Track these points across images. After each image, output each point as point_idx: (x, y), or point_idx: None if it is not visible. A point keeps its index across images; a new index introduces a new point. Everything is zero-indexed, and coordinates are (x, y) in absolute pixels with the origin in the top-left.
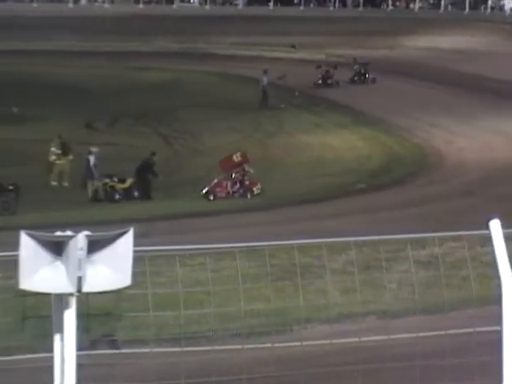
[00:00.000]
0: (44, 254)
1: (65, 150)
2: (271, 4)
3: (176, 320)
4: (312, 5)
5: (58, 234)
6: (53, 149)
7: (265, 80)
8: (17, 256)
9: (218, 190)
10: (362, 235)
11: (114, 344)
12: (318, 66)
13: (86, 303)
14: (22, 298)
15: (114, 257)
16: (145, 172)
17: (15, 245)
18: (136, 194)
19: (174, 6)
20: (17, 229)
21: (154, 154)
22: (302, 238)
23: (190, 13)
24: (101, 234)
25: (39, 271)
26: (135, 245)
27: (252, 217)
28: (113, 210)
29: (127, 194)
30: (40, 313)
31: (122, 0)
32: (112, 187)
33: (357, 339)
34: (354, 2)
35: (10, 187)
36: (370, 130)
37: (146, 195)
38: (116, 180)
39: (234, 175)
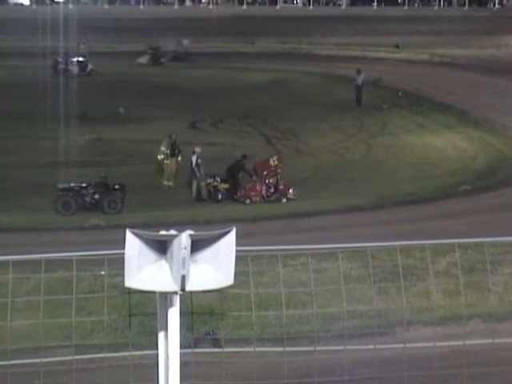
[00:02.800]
0: (149, 253)
1: (173, 151)
2: (375, 4)
3: (278, 320)
4: (416, 4)
5: (163, 233)
6: (162, 148)
7: (359, 80)
8: (123, 254)
9: (252, 194)
10: (466, 237)
11: (217, 342)
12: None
13: (189, 302)
14: (128, 295)
15: (217, 256)
16: (235, 172)
17: (121, 243)
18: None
19: (278, 6)
20: (122, 227)
21: (244, 156)
22: (404, 240)
23: (294, 13)
24: (204, 233)
25: (144, 269)
26: (237, 245)
27: (355, 217)
28: (215, 209)
29: (229, 194)
30: (145, 310)
31: (226, 1)
32: (215, 187)
33: (461, 342)
34: (459, 1)
35: (117, 186)
36: (475, 131)
37: (232, 195)
38: (219, 180)
39: (268, 179)
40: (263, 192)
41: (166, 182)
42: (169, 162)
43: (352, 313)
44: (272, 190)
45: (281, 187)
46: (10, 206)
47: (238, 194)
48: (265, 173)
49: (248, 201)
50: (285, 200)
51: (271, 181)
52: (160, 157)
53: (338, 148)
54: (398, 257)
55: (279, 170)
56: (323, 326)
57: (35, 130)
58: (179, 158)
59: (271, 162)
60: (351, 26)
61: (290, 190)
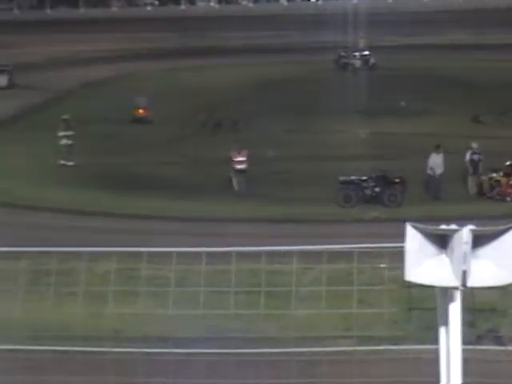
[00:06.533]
0: (429, 247)
1: None
2: None
3: None
4: None
5: (443, 227)
6: None
7: None
8: (402, 247)
9: (509, 191)
10: None
11: (499, 340)
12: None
13: (471, 297)
14: (408, 289)
15: (499, 252)
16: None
17: (400, 236)
18: None
19: None
20: (401, 221)
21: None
22: None
23: None
24: (486, 228)
25: (424, 263)
26: None
27: None
28: (498, 205)
29: None
30: (425, 304)
31: None
32: (498, 182)
33: None
34: None
35: (397, 180)
36: None
37: None
38: (501, 174)
39: None
40: None
41: None
42: None
43: None
44: None
45: None
46: (292, 197)
47: (494, 192)
48: None
49: (508, 198)
50: None
51: None
52: None
53: None
54: None
55: None
56: None
57: (317, 123)
58: None
59: None
60: None
61: None
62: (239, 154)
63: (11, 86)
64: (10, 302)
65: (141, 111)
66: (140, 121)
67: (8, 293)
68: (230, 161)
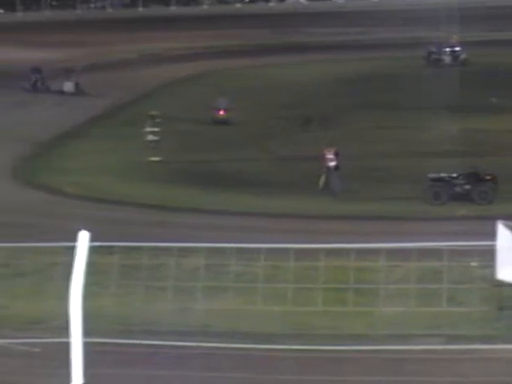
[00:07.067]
0: None
1: None
2: None
3: None
4: None
5: None
6: None
7: None
8: (493, 246)
9: None
10: None
11: None
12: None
13: None
14: (499, 288)
15: None
16: None
17: (490, 234)
18: None
19: None
20: (492, 219)
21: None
22: None
23: None
24: None
25: None
26: None
27: None
28: None
29: None
30: None
31: None
32: None
33: None
34: None
35: (488, 177)
36: None
37: None
38: None
39: None
40: None
41: None
42: None
43: None
44: None
45: None
46: (381, 194)
47: None
48: None
49: None
50: None
51: None
52: None
53: None
54: None
55: None
56: None
57: (407, 120)
58: None
59: None
60: None
61: None
62: (329, 151)
63: (79, 92)
64: (101, 295)
65: (221, 112)
66: (221, 122)
67: (100, 286)
68: (323, 158)
